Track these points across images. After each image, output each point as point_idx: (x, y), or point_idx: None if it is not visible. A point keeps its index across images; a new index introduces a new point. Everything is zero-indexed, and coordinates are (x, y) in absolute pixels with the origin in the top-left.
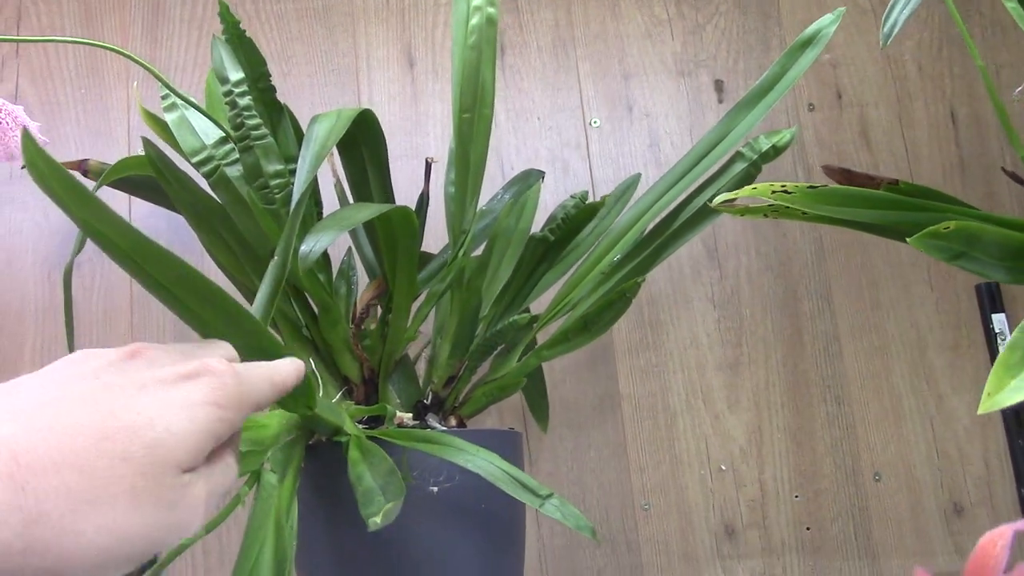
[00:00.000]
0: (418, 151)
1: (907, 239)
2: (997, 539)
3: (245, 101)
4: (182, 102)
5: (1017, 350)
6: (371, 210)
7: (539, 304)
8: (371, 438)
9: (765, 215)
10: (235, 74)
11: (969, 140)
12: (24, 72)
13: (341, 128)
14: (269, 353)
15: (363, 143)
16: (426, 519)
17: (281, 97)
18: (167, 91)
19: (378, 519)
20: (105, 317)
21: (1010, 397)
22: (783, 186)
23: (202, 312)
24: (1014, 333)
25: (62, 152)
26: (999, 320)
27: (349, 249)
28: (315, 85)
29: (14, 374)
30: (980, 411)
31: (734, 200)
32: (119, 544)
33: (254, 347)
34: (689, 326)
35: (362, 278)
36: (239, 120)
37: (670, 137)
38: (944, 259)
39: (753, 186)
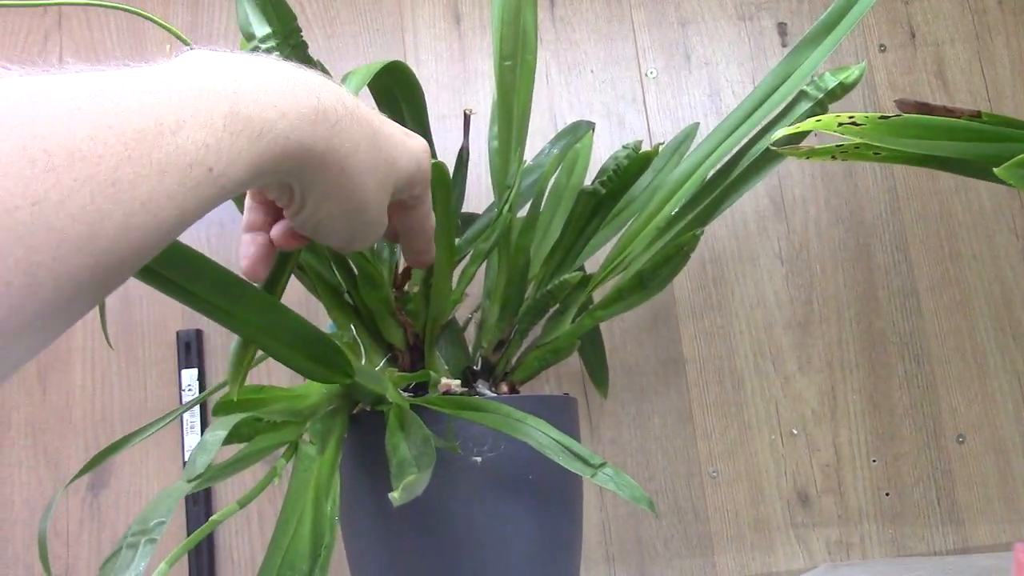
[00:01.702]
0: None
1: (994, 170)
2: None
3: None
4: None
5: None
6: None
7: (594, 263)
8: (414, 407)
9: (833, 156)
10: (261, 29)
11: None
12: (67, 44)
13: (364, 80)
14: (288, 328)
15: (401, 98)
16: (472, 491)
17: (326, 58)
18: None
19: (396, 494)
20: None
21: None
22: (851, 117)
23: (194, 288)
24: None
25: None
26: None
27: None
28: (360, 45)
29: (67, 349)
30: None
31: (799, 143)
32: (366, 178)
33: (269, 322)
34: (755, 284)
35: None
36: None
37: (731, 86)
38: None
39: (817, 118)
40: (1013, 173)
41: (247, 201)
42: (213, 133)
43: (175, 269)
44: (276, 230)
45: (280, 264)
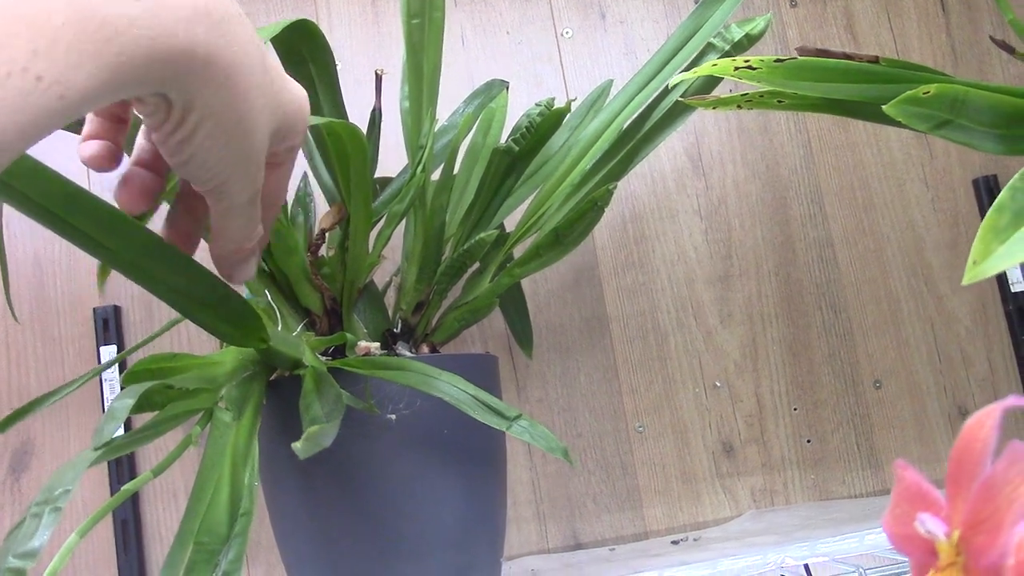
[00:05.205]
0: None
1: (883, 107)
2: (985, 419)
3: None
4: None
5: (1005, 212)
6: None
7: (515, 222)
8: (331, 369)
9: (739, 106)
10: None
11: (960, 27)
12: None
13: (269, 35)
14: (204, 286)
15: (310, 59)
16: (389, 449)
17: None
18: None
19: (299, 445)
20: (69, 266)
21: (998, 264)
22: (747, 62)
23: (108, 243)
24: (1001, 193)
25: None
26: None
27: (304, 175)
28: (271, 11)
29: None
30: (965, 281)
31: (708, 93)
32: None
33: (184, 280)
34: (676, 240)
35: (322, 205)
36: None
37: (646, 43)
38: (927, 129)
39: (713, 63)
40: (901, 110)
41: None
42: (44, 34)
43: (89, 222)
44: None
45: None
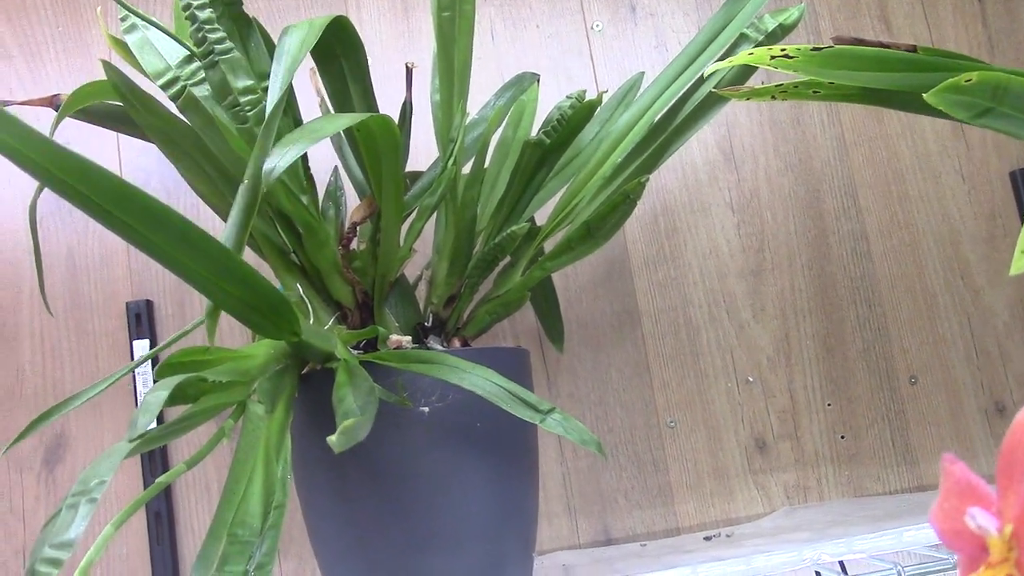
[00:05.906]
0: None
1: (924, 95)
2: None
3: (206, 14)
4: (143, 22)
5: None
6: (343, 120)
7: (546, 215)
8: (363, 363)
9: (773, 96)
10: None
11: (997, 17)
12: None
13: (313, 37)
14: (239, 278)
15: (342, 55)
16: (422, 442)
17: (265, 16)
18: (126, 12)
19: (333, 438)
20: (102, 261)
21: None
22: (783, 50)
23: (154, 237)
24: None
25: (44, 92)
26: None
27: (335, 169)
28: (300, 6)
29: (14, 325)
30: (1013, 271)
31: (742, 85)
32: None
33: (221, 272)
34: (708, 234)
35: (353, 200)
36: (201, 35)
37: (677, 36)
38: (968, 118)
39: (749, 52)
40: (942, 98)
41: None
42: None
43: (138, 217)
44: None
45: (243, 219)
